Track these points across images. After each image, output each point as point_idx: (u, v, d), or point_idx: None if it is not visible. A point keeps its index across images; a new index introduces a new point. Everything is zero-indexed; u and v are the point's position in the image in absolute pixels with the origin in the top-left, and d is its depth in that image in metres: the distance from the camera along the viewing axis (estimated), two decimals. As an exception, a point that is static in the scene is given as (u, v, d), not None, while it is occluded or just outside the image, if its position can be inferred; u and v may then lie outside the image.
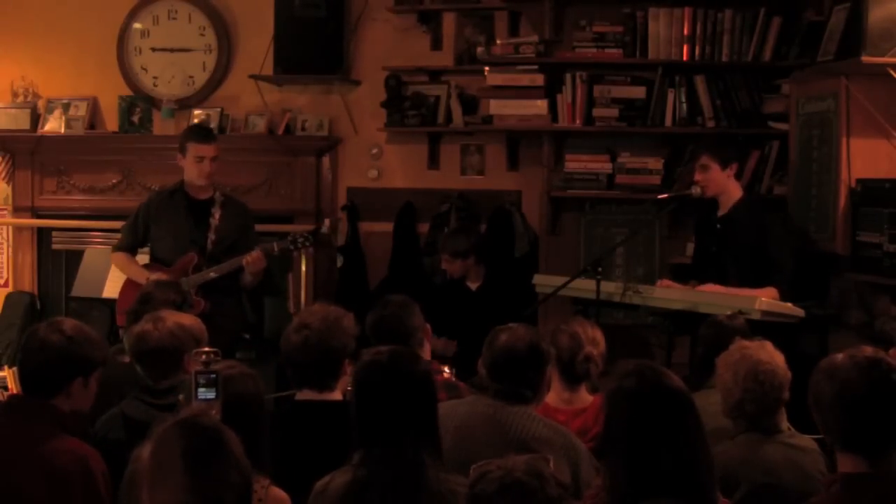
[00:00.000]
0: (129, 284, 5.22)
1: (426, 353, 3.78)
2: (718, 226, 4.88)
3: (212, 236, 5.11)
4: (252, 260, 4.97)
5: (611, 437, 2.37)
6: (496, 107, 5.89)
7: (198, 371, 2.44)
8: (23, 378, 2.99)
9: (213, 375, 2.43)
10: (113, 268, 5.59)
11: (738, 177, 4.97)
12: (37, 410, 2.89)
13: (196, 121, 6.36)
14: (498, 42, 5.97)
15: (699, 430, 2.33)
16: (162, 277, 4.88)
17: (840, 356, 2.46)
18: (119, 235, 5.39)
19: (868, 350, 2.47)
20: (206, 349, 2.56)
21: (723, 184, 4.83)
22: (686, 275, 5.03)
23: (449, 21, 6.24)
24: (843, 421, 2.40)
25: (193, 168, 5.12)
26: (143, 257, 5.36)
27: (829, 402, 2.40)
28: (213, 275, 5.01)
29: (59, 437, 2.84)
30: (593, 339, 3.63)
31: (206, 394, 2.41)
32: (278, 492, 2.60)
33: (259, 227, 5.64)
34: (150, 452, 1.85)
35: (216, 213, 5.14)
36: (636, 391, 2.35)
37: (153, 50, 6.60)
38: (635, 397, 2.34)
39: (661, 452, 2.26)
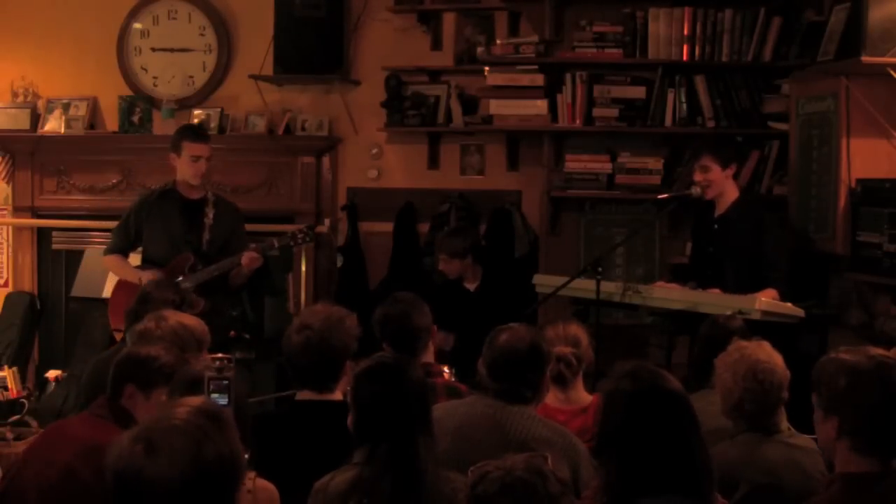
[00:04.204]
0: (121, 286, 5.19)
1: (430, 355, 3.77)
2: (715, 226, 4.89)
3: (206, 236, 5.08)
4: (250, 259, 4.95)
5: (606, 437, 2.37)
6: (496, 107, 5.89)
7: (210, 377, 2.44)
8: None
9: (226, 382, 2.43)
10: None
11: (735, 177, 4.98)
12: (111, 412, 2.95)
13: (196, 121, 6.36)
14: (498, 42, 5.97)
15: (695, 430, 2.33)
16: (157, 276, 4.87)
17: (862, 357, 2.41)
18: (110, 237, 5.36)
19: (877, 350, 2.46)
20: (221, 355, 2.56)
21: (722, 184, 4.84)
22: (685, 275, 5.04)
23: (449, 21, 6.23)
24: (885, 425, 2.35)
25: (189, 168, 5.08)
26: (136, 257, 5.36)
27: (872, 404, 2.35)
28: (215, 273, 4.98)
29: None
30: (566, 336, 3.60)
31: (218, 399, 2.41)
32: (265, 482, 2.63)
33: (259, 227, 5.65)
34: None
35: (210, 213, 5.10)
36: (632, 392, 2.35)
37: (153, 50, 6.59)
38: (631, 398, 2.34)
39: (657, 453, 2.26)
